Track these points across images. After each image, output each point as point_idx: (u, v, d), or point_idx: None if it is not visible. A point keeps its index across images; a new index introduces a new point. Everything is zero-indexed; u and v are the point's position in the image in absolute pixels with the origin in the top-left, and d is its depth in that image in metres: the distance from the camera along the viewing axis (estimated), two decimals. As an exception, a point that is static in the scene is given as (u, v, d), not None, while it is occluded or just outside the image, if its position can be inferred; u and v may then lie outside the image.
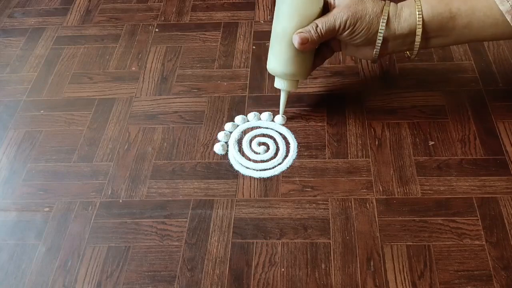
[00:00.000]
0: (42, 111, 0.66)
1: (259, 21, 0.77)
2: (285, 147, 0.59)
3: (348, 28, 0.52)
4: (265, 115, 0.62)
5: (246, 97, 0.65)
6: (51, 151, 0.61)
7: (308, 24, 0.53)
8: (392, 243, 0.50)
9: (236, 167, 0.58)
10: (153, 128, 0.63)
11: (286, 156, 0.58)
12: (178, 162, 0.59)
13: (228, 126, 0.62)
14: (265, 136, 0.61)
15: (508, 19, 0.49)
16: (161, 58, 0.72)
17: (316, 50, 0.58)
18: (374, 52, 0.55)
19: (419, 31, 0.52)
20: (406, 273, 0.48)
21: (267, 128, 0.62)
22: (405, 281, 0.47)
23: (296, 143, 0.59)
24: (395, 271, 0.48)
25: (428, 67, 0.67)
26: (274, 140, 0.60)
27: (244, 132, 0.61)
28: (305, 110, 0.63)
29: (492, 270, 0.47)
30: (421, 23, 0.52)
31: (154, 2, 0.82)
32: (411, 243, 0.50)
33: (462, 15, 0.51)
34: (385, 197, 0.54)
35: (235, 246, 0.51)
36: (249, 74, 0.68)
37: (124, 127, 0.63)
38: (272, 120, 0.62)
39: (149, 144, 0.61)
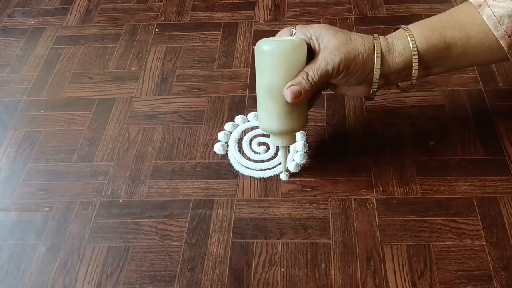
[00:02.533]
0: (42, 111, 0.66)
1: (259, 21, 0.77)
2: (285, 147, 0.59)
3: (342, 72, 0.48)
4: (265, 115, 0.62)
5: (246, 97, 0.65)
6: (51, 151, 0.61)
7: (296, 74, 0.48)
8: (392, 243, 0.50)
9: (236, 167, 0.58)
10: (153, 128, 0.63)
11: (286, 156, 0.58)
12: (178, 162, 0.59)
13: (228, 126, 0.62)
14: (265, 136, 0.61)
15: (503, 45, 0.48)
16: (161, 58, 0.72)
17: None
18: (371, 91, 0.51)
19: (415, 65, 0.49)
20: (406, 273, 0.48)
21: (267, 128, 0.61)
22: (405, 281, 0.47)
23: (296, 143, 0.59)
24: (395, 271, 0.48)
25: (428, 67, 0.67)
26: (274, 140, 0.60)
27: (244, 132, 0.61)
28: (305, 110, 0.63)
29: (492, 270, 0.47)
30: (417, 57, 0.48)
31: (154, 2, 0.82)
32: (411, 243, 0.50)
33: (457, 44, 0.49)
34: (385, 197, 0.54)
35: (235, 246, 0.51)
36: (249, 74, 0.68)
37: (124, 127, 0.63)
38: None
39: (149, 144, 0.61)
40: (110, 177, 0.58)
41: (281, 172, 0.56)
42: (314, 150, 0.59)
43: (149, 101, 0.66)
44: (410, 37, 0.49)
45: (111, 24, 0.79)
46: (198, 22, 0.77)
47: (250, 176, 0.56)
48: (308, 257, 0.50)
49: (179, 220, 0.53)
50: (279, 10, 0.78)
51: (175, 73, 0.69)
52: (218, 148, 0.59)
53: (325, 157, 0.58)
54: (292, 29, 0.50)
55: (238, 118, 0.63)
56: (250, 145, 0.60)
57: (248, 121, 0.62)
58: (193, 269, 0.49)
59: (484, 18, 0.48)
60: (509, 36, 0.48)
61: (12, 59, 0.74)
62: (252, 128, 0.62)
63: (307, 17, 0.76)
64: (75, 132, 0.63)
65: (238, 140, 0.60)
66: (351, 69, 0.48)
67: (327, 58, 0.48)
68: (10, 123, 0.65)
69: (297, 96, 0.48)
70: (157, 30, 0.77)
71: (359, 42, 0.48)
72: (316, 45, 0.49)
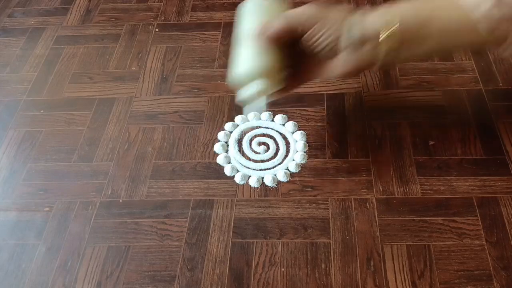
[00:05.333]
0: (42, 111, 0.66)
1: (259, 21, 0.76)
2: (285, 147, 0.59)
3: (314, 26, 0.48)
4: (265, 115, 0.62)
5: (246, 97, 0.65)
6: (51, 151, 0.61)
7: None
8: (392, 243, 0.50)
9: (237, 166, 0.57)
10: (153, 128, 0.63)
11: (286, 156, 0.58)
12: (178, 162, 0.59)
13: (228, 126, 0.62)
14: (265, 136, 0.61)
15: (481, 28, 0.47)
16: (161, 58, 0.72)
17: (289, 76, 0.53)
18: (342, 63, 0.50)
19: (386, 34, 0.48)
20: (406, 273, 0.48)
21: (267, 128, 0.61)
22: (405, 281, 0.47)
23: (296, 143, 0.59)
24: (395, 270, 0.48)
25: (428, 67, 0.67)
26: (274, 140, 0.60)
27: (244, 132, 0.61)
28: (305, 110, 0.63)
29: (492, 270, 0.47)
30: (390, 27, 0.48)
31: (154, 2, 0.82)
32: (411, 243, 0.50)
33: (433, 23, 0.48)
34: (385, 197, 0.54)
35: (235, 246, 0.51)
36: (249, 74, 0.68)
37: (124, 127, 0.63)
38: (272, 120, 0.62)
39: (149, 144, 0.61)
40: (110, 177, 0.58)
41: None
42: (314, 150, 0.59)
43: (149, 101, 0.66)
44: (387, 12, 0.49)
45: (111, 24, 0.79)
46: (198, 22, 0.77)
47: (250, 176, 0.56)
48: (308, 257, 0.50)
49: (179, 220, 0.53)
50: (279, 10, 0.78)
51: (175, 73, 0.69)
52: (218, 148, 0.59)
53: (325, 157, 0.58)
54: None
55: (238, 118, 0.63)
56: (250, 145, 0.60)
57: (248, 121, 0.62)
58: (193, 269, 0.49)
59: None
60: (487, 20, 0.47)
61: (12, 59, 0.74)
62: (252, 128, 0.62)
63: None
64: (75, 132, 0.63)
65: (238, 140, 0.60)
66: (322, 25, 0.48)
67: (299, 10, 0.50)
68: (10, 123, 0.65)
69: (264, 31, 0.50)
70: (157, 30, 0.77)
71: (333, 10, 0.50)
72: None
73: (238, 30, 0.53)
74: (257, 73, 0.51)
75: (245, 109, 0.55)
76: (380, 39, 0.48)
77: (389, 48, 0.48)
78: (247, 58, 0.52)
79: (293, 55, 0.52)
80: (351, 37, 0.48)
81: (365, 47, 0.48)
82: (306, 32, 0.49)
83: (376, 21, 0.48)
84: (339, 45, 0.48)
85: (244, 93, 0.52)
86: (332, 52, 0.49)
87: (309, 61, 0.52)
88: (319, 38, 0.49)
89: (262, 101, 0.52)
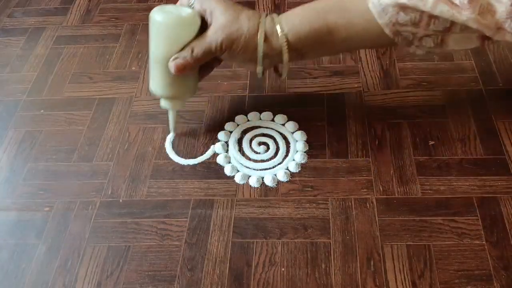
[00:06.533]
0: (42, 111, 0.66)
1: (259, 21, 0.76)
2: (285, 147, 0.59)
3: (225, 50, 0.51)
4: (265, 114, 0.62)
5: (246, 97, 0.65)
6: (51, 150, 0.61)
7: (183, 48, 0.50)
8: (392, 243, 0.50)
9: (237, 166, 0.57)
10: (153, 128, 0.63)
11: (286, 155, 0.58)
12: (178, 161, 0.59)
13: (228, 126, 0.62)
14: (265, 136, 0.61)
15: (387, 32, 0.49)
16: (161, 58, 0.72)
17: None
18: (257, 70, 0.53)
19: (285, 49, 0.51)
20: (406, 272, 0.48)
21: (267, 127, 0.62)
22: (405, 281, 0.47)
23: (296, 143, 0.59)
24: (395, 270, 0.48)
25: (428, 67, 0.67)
26: (274, 139, 0.60)
27: (244, 132, 0.61)
28: (305, 110, 0.63)
29: (492, 270, 0.47)
30: (286, 43, 0.50)
31: (154, 2, 0.82)
32: (411, 243, 0.50)
33: (340, 29, 0.50)
34: (385, 196, 0.54)
35: (235, 245, 0.51)
36: (249, 74, 0.68)
37: (124, 127, 0.63)
38: (272, 120, 0.62)
39: (149, 143, 0.61)
40: (110, 177, 0.58)
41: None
42: (314, 150, 0.59)
43: (149, 101, 0.66)
44: (278, 24, 0.50)
45: (111, 24, 0.79)
46: (198, 22, 0.77)
47: (250, 176, 0.56)
48: (308, 257, 0.50)
49: (179, 220, 0.53)
50: (279, 10, 0.78)
51: (175, 73, 0.69)
52: (218, 148, 0.59)
53: (325, 157, 0.58)
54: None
55: (238, 118, 0.63)
56: (250, 145, 0.60)
57: (248, 121, 0.62)
58: (193, 269, 0.49)
59: (370, 5, 0.49)
60: (393, 25, 0.48)
61: (12, 59, 0.74)
62: (252, 128, 0.62)
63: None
64: (75, 132, 0.63)
65: (238, 140, 0.60)
66: (233, 48, 0.50)
67: (211, 37, 0.50)
68: (10, 123, 0.65)
69: (180, 69, 0.50)
70: (157, 30, 0.76)
71: (244, 23, 0.50)
72: (209, 19, 0.51)
73: (151, 45, 0.53)
74: (172, 97, 0.56)
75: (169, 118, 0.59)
76: (283, 57, 0.51)
77: (291, 57, 0.52)
78: (161, 83, 0.54)
79: (204, 65, 0.54)
80: (265, 50, 0.51)
81: (275, 58, 0.52)
82: (223, 53, 0.51)
83: (277, 37, 0.51)
84: (255, 55, 0.51)
85: (162, 104, 0.57)
86: (248, 60, 0.52)
87: (218, 61, 0.57)
88: (235, 55, 0.51)
89: (172, 117, 0.59)
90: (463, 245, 0.49)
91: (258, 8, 0.79)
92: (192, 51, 0.50)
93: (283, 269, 0.49)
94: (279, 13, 0.53)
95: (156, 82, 0.54)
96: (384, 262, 0.49)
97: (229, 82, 0.67)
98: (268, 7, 0.79)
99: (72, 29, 0.78)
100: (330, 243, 0.50)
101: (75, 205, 0.55)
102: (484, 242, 0.49)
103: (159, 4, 0.80)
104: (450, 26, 0.47)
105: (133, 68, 0.71)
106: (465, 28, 0.47)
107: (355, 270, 0.48)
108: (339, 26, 0.50)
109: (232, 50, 0.51)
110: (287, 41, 0.50)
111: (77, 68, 0.72)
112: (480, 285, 0.47)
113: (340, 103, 0.63)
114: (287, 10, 0.54)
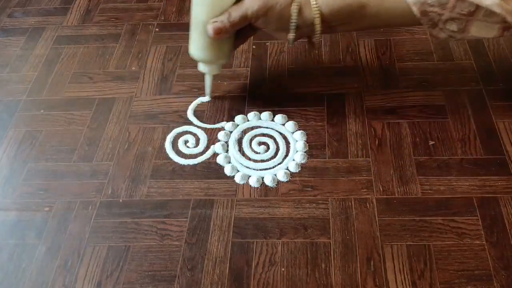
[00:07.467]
0: (42, 111, 0.66)
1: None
2: (285, 146, 0.59)
3: (260, 17, 0.53)
4: (265, 114, 0.62)
5: (246, 97, 0.65)
6: (51, 150, 0.61)
7: (221, 13, 0.53)
8: (392, 243, 0.50)
9: (237, 166, 0.57)
10: (153, 128, 0.63)
11: (286, 155, 0.58)
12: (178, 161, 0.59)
13: (228, 125, 0.62)
14: (265, 136, 0.61)
15: (414, 11, 0.51)
16: (161, 58, 0.72)
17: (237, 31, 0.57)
18: (289, 37, 0.55)
19: (317, 20, 0.53)
20: (406, 272, 0.48)
21: (267, 127, 0.62)
22: (405, 281, 0.47)
23: (296, 143, 0.59)
24: (395, 270, 0.48)
25: (428, 66, 0.67)
26: (274, 139, 0.60)
27: (244, 132, 0.61)
28: (305, 110, 0.63)
29: (492, 270, 0.47)
30: (318, 15, 0.53)
31: (154, 2, 0.82)
32: (411, 243, 0.50)
33: (370, 5, 0.52)
34: (385, 196, 0.54)
35: (235, 245, 0.51)
36: (249, 74, 0.68)
37: (124, 127, 0.63)
38: (272, 120, 0.62)
39: (149, 143, 0.61)
40: (110, 177, 0.58)
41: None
42: (314, 150, 0.59)
43: (149, 101, 0.66)
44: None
45: (111, 24, 0.79)
46: (198, 22, 0.77)
47: (250, 176, 0.56)
48: (308, 257, 0.50)
49: (179, 220, 0.53)
50: None
51: (175, 73, 0.69)
52: (218, 148, 0.59)
53: (325, 157, 0.58)
54: None
55: (238, 118, 0.63)
56: (250, 145, 0.60)
57: (248, 120, 0.62)
58: (193, 268, 0.49)
59: None
60: (421, 4, 0.50)
61: (12, 59, 0.74)
62: (252, 128, 0.62)
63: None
64: (75, 132, 0.63)
65: (238, 140, 0.60)
66: (268, 16, 0.53)
67: (248, 3, 0.53)
68: (10, 123, 0.65)
69: (217, 32, 0.54)
70: (157, 29, 0.77)
71: None
72: None
73: (193, 9, 0.55)
74: (209, 61, 0.59)
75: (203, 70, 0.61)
76: (315, 29, 0.54)
77: (323, 30, 0.54)
78: (199, 46, 0.57)
79: (239, 33, 0.58)
80: (299, 21, 0.53)
81: (311, 27, 0.54)
82: (258, 21, 0.53)
83: (311, 9, 0.53)
84: (288, 25, 0.54)
85: (200, 68, 0.61)
86: (281, 29, 0.55)
87: (254, 30, 0.58)
88: (269, 23, 0.54)
89: (208, 82, 0.63)
90: (463, 245, 0.49)
91: None
92: (230, 16, 0.53)
93: (283, 269, 0.49)
94: None
95: (195, 45, 0.58)
96: (384, 262, 0.49)
97: (229, 82, 0.67)
98: None
99: (72, 29, 0.78)
100: (330, 243, 0.50)
101: (75, 205, 0.55)
102: (484, 242, 0.49)
103: (160, 4, 0.81)
104: (475, 10, 0.49)
105: (133, 68, 0.71)
106: (489, 13, 0.48)
107: (355, 270, 0.48)
108: (370, 2, 0.52)
109: (267, 17, 0.53)
110: (320, 13, 0.53)
111: (77, 68, 0.72)
112: (480, 285, 0.47)
113: (340, 103, 0.63)
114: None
